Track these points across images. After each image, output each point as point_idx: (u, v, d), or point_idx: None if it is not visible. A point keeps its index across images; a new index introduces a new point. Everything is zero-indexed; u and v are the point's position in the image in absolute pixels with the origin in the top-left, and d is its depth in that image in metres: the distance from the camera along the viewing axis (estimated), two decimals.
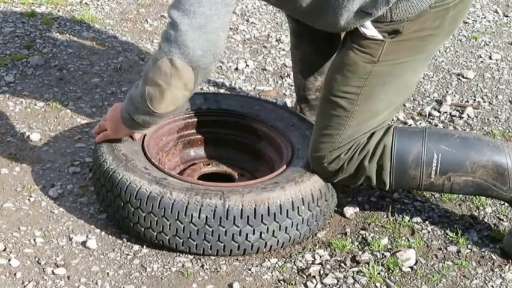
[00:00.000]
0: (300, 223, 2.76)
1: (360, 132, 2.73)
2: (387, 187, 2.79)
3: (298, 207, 2.73)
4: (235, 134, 3.15)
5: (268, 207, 2.69)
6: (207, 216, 2.66)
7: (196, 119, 3.13)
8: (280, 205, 2.70)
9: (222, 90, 3.74)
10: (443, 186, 2.78)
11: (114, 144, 2.86)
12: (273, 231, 2.71)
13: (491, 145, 2.77)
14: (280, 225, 2.72)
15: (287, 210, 2.71)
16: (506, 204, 3.08)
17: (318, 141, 2.76)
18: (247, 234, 2.69)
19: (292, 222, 2.73)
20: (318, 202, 2.79)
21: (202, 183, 2.77)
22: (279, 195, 2.71)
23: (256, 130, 3.12)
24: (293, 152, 2.95)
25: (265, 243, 2.73)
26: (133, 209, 2.71)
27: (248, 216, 2.67)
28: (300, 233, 2.78)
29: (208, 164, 3.13)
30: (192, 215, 2.66)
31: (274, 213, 2.69)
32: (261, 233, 2.70)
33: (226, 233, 2.68)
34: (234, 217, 2.66)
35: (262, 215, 2.68)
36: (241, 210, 2.66)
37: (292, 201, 2.72)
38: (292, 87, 3.80)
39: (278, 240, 2.75)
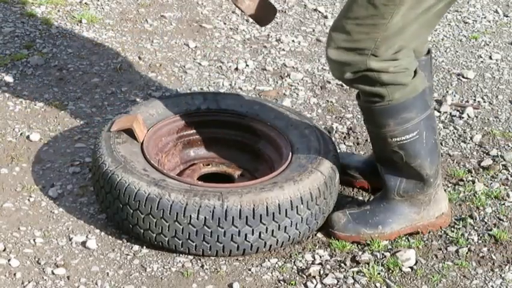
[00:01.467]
0: (300, 222, 2.76)
1: (402, 37, 2.64)
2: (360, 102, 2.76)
3: (297, 207, 2.73)
4: (234, 134, 3.15)
5: (267, 207, 2.69)
6: (205, 217, 2.66)
7: (195, 119, 3.13)
8: (279, 205, 2.70)
9: (222, 90, 3.73)
10: (387, 153, 2.79)
11: (113, 146, 2.86)
12: (272, 231, 2.71)
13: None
14: (279, 225, 2.71)
15: (286, 210, 2.71)
16: (507, 204, 3.08)
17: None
18: (246, 235, 2.69)
19: (291, 222, 2.73)
20: (317, 201, 2.78)
21: (200, 184, 2.77)
22: (277, 194, 2.71)
23: (256, 130, 3.12)
24: (292, 152, 2.95)
25: (265, 243, 2.73)
26: (132, 211, 2.71)
27: (247, 217, 2.67)
28: (300, 232, 2.78)
29: (208, 164, 3.12)
30: (190, 216, 2.66)
31: (273, 213, 2.69)
32: (260, 233, 2.70)
33: (225, 233, 2.67)
34: (233, 217, 2.66)
35: (261, 215, 2.68)
36: (240, 210, 2.66)
37: (291, 201, 2.72)
38: (293, 87, 3.81)
39: (278, 240, 2.75)
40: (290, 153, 2.95)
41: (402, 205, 2.87)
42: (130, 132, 2.92)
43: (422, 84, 2.73)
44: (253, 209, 2.67)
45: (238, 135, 3.14)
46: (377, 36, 2.61)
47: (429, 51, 2.93)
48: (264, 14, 2.93)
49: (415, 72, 2.72)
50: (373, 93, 2.69)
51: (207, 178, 3.02)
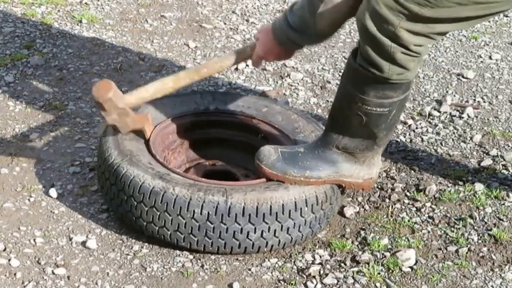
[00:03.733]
0: (303, 225, 2.76)
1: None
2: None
3: (301, 209, 2.73)
4: (241, 135, 3.16)
5: (271, 206, 2.69)
6: (208, 213, 2.66)
7: (202, 119, 3.14)
8: (282, 205, 2.71)
9: (221, 90, 3.73)
10: (348, 112, 2.75)
11: (120, 141, 2.87)
12: (275, 230, 2.72)
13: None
14: (282, 225, 2.72)
15: (289, 211, 2.71)
16: (507, 204, 3.08)
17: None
18: (248, 232, 2.69)
19: (294, 223, 2.73)
20: (322, 205, 2.79)
21: (205, 181, 2.78)
22: (282, 195, 2.72)
23: (263, 131, 3.12)
24: None
25: (266, 242, 2.73)
26: (136, 203, 2.72)
27: (250, 214, 2.67)
28: (302, 235, 2.79)
29: (213, 164, 3.13)
30: (194, 210, 2.66)
31: (276, 213, 2.70)
32: (262, 232, 2.70)
33: (227, 230, 2.68)
34: (236, 214, 2.66)
35: (264, 214, 2.68)
36: (243, 207, 2.67)
37: (295, 202, 2.72)
38: (293, 87, 3.81)
39: (279, 240, 2.75)
40: None
41: (337, 157, 2.83)
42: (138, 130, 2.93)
43: (416, 71, 2.68)
44: (257, 207, 2.68)
45: (245, 136, 3.15)
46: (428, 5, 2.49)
47: None
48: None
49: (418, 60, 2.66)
50: (374, 63, 2.60)
51: (211, 177, 3.02)
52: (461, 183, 3.21)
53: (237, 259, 2.78)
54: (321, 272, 2.74)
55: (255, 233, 2.70)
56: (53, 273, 2.68)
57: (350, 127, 2.77)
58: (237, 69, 3.92)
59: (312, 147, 2.86)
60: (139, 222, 2.74)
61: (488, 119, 3.63)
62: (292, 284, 2.69)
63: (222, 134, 3.16)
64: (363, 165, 2.85)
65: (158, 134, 2.99)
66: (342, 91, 2.77)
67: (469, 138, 3.49)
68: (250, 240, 2.71)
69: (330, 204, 2.82)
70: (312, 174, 2.80)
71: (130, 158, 2.79)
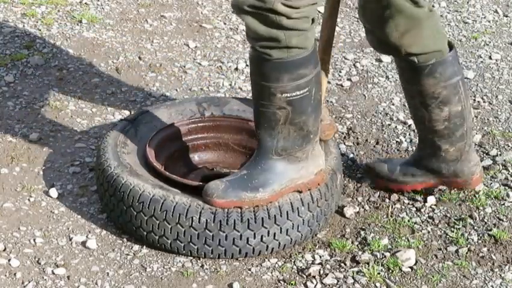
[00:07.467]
0: (301, 224, 2.76)
1: None
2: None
3: (298, 209, 2.73)
4: (238, 139, 3.16)
5: (268, 209, 2.69)
6: (207, 220, 2.66)
7: (199, 124, 3.14)
8: (279, 207, 2.71)
9: (222, 90, 3.74)
10: (271, 110, 2.73)
11: (119, 153, 2.87)
12: (274, 234, 2.72)
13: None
14: (281, 228, 2.72)
15: (287, 212, 2.72)
16: (507, 204, 3.08)
17: None
18: (247, 238, 2.70)
19: (293, 224, 2.74)
20: (318, 203, 2.79)
21: (203, 184, 2.79)
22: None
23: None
24: None
25: (267, 246, 2.74)
26: (135, 213, 2.72)
27: (248, 220, 2.68)
28: (302, 235, 2.79)
29: (212, 169, 3.13)
30: (192, 218, 2.67)
31: (275, 216, 2.70)
32: (262, 237, 2.71)
33: (226, 237, 2.69)
34: (234, 221, 2.67)
35: (262, 218, 2.69)
36: (241, 213, 2.67)
37: (291, 203, 2.73)
38: None
39: (279, 243, 2.75)
40: None
41: (281, 164, 2.76)
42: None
43: (313, 35, 2.66)
44: (254, 212, 2.68)
45: (242, 139, 3.15)
46: None
47: (453, 46, 2.87)
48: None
49: (313, 20, 2.64)
50: (269, 37, 2.58)
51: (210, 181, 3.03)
52: None
53: (237, 259, 2.78)
54: (321, 272, 2.74)
55: (254, 238, 2.70)
56: (53, 273, 2.68)
57: (279, 126, 2.71)
58: (237, 69, 3.92)
59: (254, 164, 2.79)
60: (139, 232, 2.76)
61: (488, 119, 3.63)
62: (292, 284, 2.69)
63: (219, 139, 3.16)
64: (307, 161, 2.80)
65: (156, 142, 3.00)
66: (257, 90, 2.72)
67: None
68: (250, 245, 2.71)
69: (326, 200, 2.82)
70: (266, 191, 2.73)
71: (130, 168, 2.80)
